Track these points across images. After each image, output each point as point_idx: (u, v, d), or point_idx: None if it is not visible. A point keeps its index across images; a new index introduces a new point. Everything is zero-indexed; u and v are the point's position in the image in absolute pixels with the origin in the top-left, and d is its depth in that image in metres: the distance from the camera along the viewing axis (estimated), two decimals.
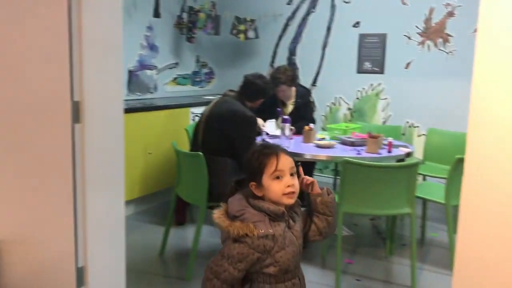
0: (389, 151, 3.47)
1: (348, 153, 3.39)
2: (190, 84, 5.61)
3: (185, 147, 3.83)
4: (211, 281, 1.54)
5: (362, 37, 5.13)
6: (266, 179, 1.55)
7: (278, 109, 3.94)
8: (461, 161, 3.11)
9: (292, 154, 3.50)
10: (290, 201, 1.57)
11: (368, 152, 3.42)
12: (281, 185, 1.55)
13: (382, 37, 5.03)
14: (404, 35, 4.92)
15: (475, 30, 4.75)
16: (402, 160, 3.49)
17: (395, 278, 3.19)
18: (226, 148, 3.13)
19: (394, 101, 5.05)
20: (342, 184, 2.95)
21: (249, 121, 3.12)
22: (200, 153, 3.02)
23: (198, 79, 5.74)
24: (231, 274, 1.52)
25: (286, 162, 1.56)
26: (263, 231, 1.49)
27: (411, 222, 3.02)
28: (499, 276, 0.97)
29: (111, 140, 2.08)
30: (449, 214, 3.17)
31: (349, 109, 5.30)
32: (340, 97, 5.33)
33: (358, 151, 3.46)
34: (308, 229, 1.70)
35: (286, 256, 1.54)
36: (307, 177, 1.66)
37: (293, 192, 1.56)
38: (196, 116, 4.66)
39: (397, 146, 3.59)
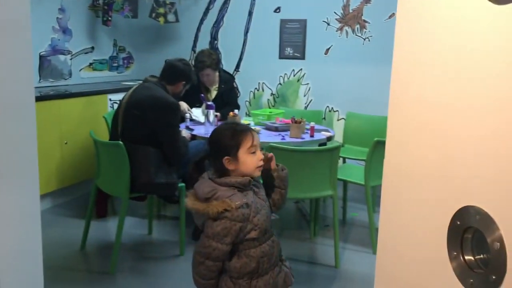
0: (312, 136, 3.54)
1: (273, 138, 3.42)
2: (107, 69, 5.37)
3: (104, 136, 3.66)
4: (203, 264, 1.68)
5: (283, 22, 5.18)
6: (242, 154, 1.70)
7: (202, 95, 3.87)
8: (379, 143, 3.25)
9: None
10: (259, 173, 1.77)
11: (292, 137, 3.47)
12: (254, 159, 1.72)
13: (303, 23, 5.10)
14: (324, 21, 5.02)
15: (390, 17, 5.02)
16: (324, 144, 3.57)
17: (319, 258, 3.28)
18: (148, 136, 3.02)
19: (315, 87, 5.16)
20: None
21: (171, 108, 3.03)
22: (120, 142, 2.89)
23: (115, 64, 5.50)
24: (221, 250, 1.65)
25: (257, 139, 1.74)
26: (239, 202, 1.64)
27: (333, 204, 3.11)
28: (418, 251, 1.02)
29: (22, 129, 1.92)
30: (368, 195, 3.30)
31: (272, 94, 5.35)
32: (263, 83, 5.36)
33: (283, 136, 3.50)
34: None
35: (262, 218, 1.71)
36: (270, 153, 1.84)
37: (262, 165, 1.76)
38: (115, 103, 4.47)
39: (319, 131, 3.67)
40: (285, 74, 5.26)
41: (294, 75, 5.23)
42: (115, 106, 4.35)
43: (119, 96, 3.92)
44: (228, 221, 1.64)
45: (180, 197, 3.14)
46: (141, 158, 2.94)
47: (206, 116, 3.47)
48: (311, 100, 5.20)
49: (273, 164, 1.84)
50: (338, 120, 5.12)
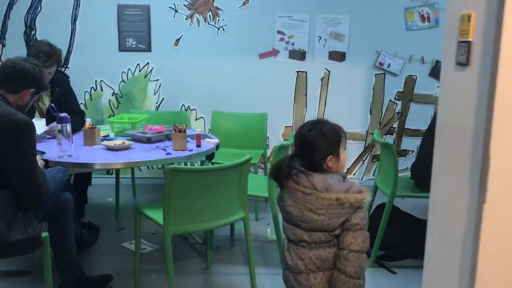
0: (198, 145, 2.94)
1: (155, 154, 2.71)
2: None
3: None
4: (361, 257, 1.70)
5: (121, 8, 4.34)
6: (342, 151, 1.76)
7: (51, 104, 2.88)
8: (282, 148, 2.83)
9: (79, 165, 2.47)
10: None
11: (177, 150, 2.81)
12: (345, 155, 1.80)
13: (145, 9, 4.35)
14: (170, 8, 4.36)
15: (244, 3, 4.64)
16: (213, 154, 3.01)
17: None
18: None
19: (166, 83, 4.48)
20: (167, 200, 2.28)
21: (22, 128, 2.07)
22: None
23: None
24: (368, 237, 1.72)
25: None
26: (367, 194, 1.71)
27: (245, 228, 2.59)
28: None
29: None
30: (274, 208, 2.87)
31: (114, 94, 4.48)
32: (102, 81, 4.45)
33: (165, 149, 2.82)
34: None
35: None
36: None
37: None
38: None
39: (203, 138, 3.08)
40: (129, 69, 4.45)
41: (140, 70, 4.46)
42: None
43: None
44: (365, 212, 1.73)
45: (45, 248, 2.23)
46: None
47: (61, 132, 2.57)
48: (163, 98, 4.51)
49: None
50: (196, 119, 4.55)
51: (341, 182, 1.70)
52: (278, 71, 4.48)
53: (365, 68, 4.53)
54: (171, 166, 2.24)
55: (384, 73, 4.54)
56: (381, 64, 4.51)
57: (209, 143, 3.03)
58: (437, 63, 4.51)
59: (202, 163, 3.29)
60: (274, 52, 4.46)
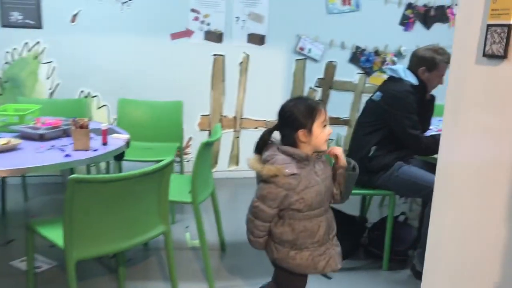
0: (105, 143, 2.45)
1: (52, 157, 2.19)
2: None
3: None
4: (253, 222, 1.80)
5: None
6: (316, 127, 1.77)
7: None
8: (208, 145, 2.46)
9: None
10: (326, 147, 1.82)
11: (78, 150, 2.31)
12: (325, 133, 1.80)
13: None
14: None
15: None
16: (122, 154, 2.54)
17: None
18: None
19: (62, 65, 3.84)
20: (69, 218, 1.80)
21: None
22: None
23: None
24: (266, 213, 1.77)
25: (327, 114, 1.81)
26: (289, 171, 1.71)
27: (167, 244, 2.19)
28: None
29: None
30: (198, 214, 2.49)
31: None
32: None
33: (63, 149, 2.30)
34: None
35: (309, 194, 1.76)
36: (335, 148, 1.87)
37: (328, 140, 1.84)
38: None
39: (110, 133, 2.60)
40: (15, 49, 3.75)
41: (29, 51, 3.78)
42: None
43: None
44: (274, 186, 1.72)
45: None
46: None
47: None
48: (58, 84, 3.87)
49: (340, 161, 1.87)
50: (98, 108, 3.98)
51: (287, 158, 1.75)
52: (193, 54, 4.05)
53: (286, 53, 4.26)
54: (73, 176, 1.76)
55: (305, 59, 4.30)
56: (301, 48, 4.26)
57: (118, 139, 2.55)
58: (357, 48, 4.36)
59: (108, 164, 2.80)
60: (188, 33, 4.01)
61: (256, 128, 4.33)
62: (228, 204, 3.69)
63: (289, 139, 1.79)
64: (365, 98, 4.48)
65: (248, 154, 4.44)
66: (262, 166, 1.74)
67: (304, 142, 1.77)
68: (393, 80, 2.79)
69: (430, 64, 2.72)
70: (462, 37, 1.11)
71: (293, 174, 1.71)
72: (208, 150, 2.58)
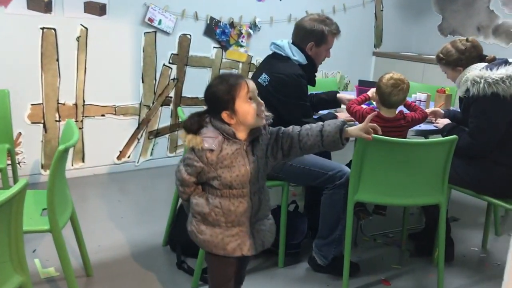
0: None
1: None
2: None
3: None
4: (176, 182, 1.74)
5: None
6: (240, 104, 1.62)
7: None
8: (66, 151, 1.85)
9: None
10: (263, 121, 1.68)
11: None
12: (252, 106, 1.63)
13: None
14: None
15: None
16: None
17: None
18: None
19: None
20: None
21: None
22: None
23: None
24: (182, 175, 1.70)
25: (253, 85, 1.65)
26: (207, 146, 1.61)
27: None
28: None
29: None
30: (61, 243, 1.87)
31: None
32: None
33: None
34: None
35: (228, 174, 1.64)
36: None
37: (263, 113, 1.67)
38: None
39: None
40: None
41: None
42: None
43: None
44: (193, 155, 1.66)
45: None
46: None
47: None
48: None
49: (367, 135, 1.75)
50: None
51: (215, 132, 1.66)
52: (13, 28, 3.17)
53: (132, 25, 3.63)
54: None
55: (155, 31, 3.73)
56: (151, 20, 3.67)
57: None
58: (212, 20, 3.95)
59: None
60: (4, 1, 3.12)
61: (103, 115, 3.65)
62: (82, 212, 2.99)
63: (223, 122, 1.67)
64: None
65: (96, 147, 3.81)
66: (185, 135, 1.67)
67: (234, 124, 1.65)
68: (279, 58, 2.46)
69: (319, 37, 2.46)
70: None
71: (210, 150, 1.62)
72: (65, 158, 1.94)
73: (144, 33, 3.69)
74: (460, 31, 4.76)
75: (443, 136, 2.57)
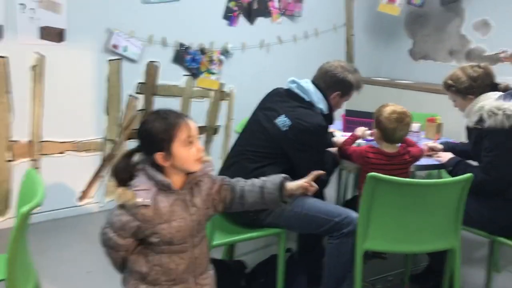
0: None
1: None
2: None
3: None
4: (105, 249, 1.52)
5: None
6: (177, 147, 1.46)
7: None
8: (30, 212, 1.51)
9: None
10: (200, 166, 1.52)
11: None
12: (192, 151, 1.49)
13: None
14: None
15: None
16: None
17: None
18: None
19: None
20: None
21: None
22: None
23: None
24: (115, 242, 1.47)
25: (195, 127, 1.50)
26: (140, 200, 1.42)
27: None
28: None
29: None
30: None
31: None
32: None
33: None
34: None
35: (168, 230, 1.47)
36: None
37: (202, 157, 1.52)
38: None
39: None
40: None
41: None
42: None
43: None
44: (126, 214, 1.43)
45: None
46: None
47: None
48: None
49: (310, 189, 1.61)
50: None
51: (148, 183, 1.46)
52: None
53: (95, 52, 3.29)
54: None
55: (120, 59, 3.41)
56: (115, 46, 3.35)
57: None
58: (181, 46, 3.66)
59: None
60: None
61: (62, 153, 3.26)
62: (40, 269, 2.56)
63: (154, 164, 1.48)
64: (194, 104, 3.85)
65: (54, 188, 3.39)
66: (117, 189, 1.46)
67: (168, 167, 1.48)
68: (299, 101, 2.21)
69: (347, 89, 2.26)
70: None
71: (144, 205, 1.42)
72: (28, 219, 1.59)
73: (108, 60, 3.35)
74: (432, 55, 4.70)
75: (449, 171, 2.39)
